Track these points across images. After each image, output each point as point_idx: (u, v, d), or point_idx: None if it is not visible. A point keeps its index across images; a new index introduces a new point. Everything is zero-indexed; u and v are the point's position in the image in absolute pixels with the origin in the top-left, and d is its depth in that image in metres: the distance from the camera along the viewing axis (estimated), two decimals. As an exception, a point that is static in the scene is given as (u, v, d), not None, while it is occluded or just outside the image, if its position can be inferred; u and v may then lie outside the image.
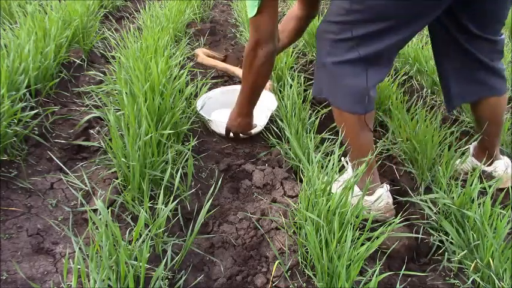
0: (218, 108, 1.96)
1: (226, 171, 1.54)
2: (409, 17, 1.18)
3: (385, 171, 1.66)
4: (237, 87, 1.78)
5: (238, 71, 2.25)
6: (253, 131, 1.72)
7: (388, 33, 1.20)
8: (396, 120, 1.75)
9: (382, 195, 1.33)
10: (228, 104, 1.81)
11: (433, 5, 1.18)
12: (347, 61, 1.24)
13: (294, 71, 2.28)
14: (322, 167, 1.31)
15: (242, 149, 1.71)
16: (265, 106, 1.83)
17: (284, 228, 1.25)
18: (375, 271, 1.00)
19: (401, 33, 1.21)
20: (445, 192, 1.34)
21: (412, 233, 1.31)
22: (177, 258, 1.13)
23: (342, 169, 1.45)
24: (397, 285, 1.10)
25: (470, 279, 1.13)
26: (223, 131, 1.73)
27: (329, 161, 1.27)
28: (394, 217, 1.30)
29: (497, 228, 1.13)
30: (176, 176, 1.26)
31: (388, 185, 1.40)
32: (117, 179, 1.35)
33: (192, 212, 1.30)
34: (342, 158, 1.48)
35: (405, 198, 1.42)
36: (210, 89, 2.02)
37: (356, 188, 1.38)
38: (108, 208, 1.24)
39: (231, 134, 1.71)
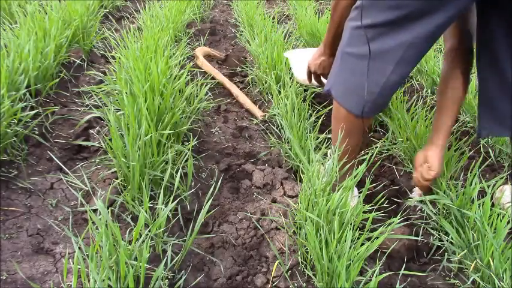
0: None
1: (226, 171, 1.54)
2: (420, 10, 1.05)
3: (385, 171, 1.66)
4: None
5: (234, 89, 2.16)
6: None
7: (398, 28, 1.08)
8: (396, 120, 1.75)
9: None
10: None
11: None
12: (359, 55, 1.15)
13: (294, 71, 2.27)
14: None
15: (242, 149, 1.71)
16: None
17: (284, 228, 1.25)
18: (374, 271, 1.00)
19: (413, 31, 1.07)
20: (444, 193, 1.34)
21: (412, 232, 1.31)
22: (177, 258, 1.13)
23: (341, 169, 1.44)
24: (397, 285, 1.10)
25: (470, 279, 1.13)
26: (304, 76, 1.65)
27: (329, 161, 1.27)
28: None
29: (497, 228, 1.13)
30: (176, 176, 1.26)
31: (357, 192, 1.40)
32: (117, 179, 1.35)
33: (192, 212, 1.31)
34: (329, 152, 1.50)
35: (405, 200, 1.42)
36: (210, 89, 2.02)
37: (355, 190, 1.38)
38: (108, 208, 1.24)
39: (313, 79, 1.60)
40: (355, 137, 1.27)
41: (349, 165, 1.32)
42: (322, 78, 1.57)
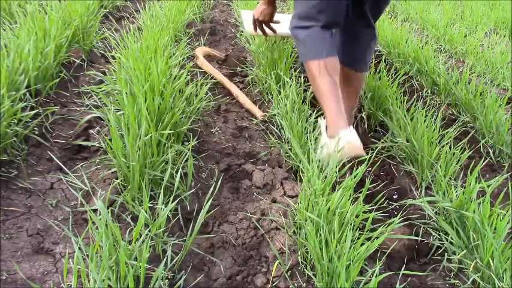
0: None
1: (226, 171, 1.54)
2: None
3: (385, 171, 1.66)
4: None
5: (234, 89, 2.15)
6: (278, 31, 1.83)
7: None
8: (396, 120, 1.75)
9: (342, 136, 1.38)
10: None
11: None
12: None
13: (294, 70, 2.28)
14: (321, 169, 1.31)
15: (242, 149, 1.71)
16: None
17: (284, 228, 1.25)
18: (374, 271, 1.00)
19: None
20: (444, 193, 1.34)
21: (412, 232, 1.31)
22: (177, 258, 1.13)
23: (341, 169, 1.44)
24: (397, 285, 1.10)
25: (470, 279, 1.13)
26: (251, 26, 1.91)
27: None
28: (365, 155, 1.37)
29: (497, 228, 1.13)
30: (176, 176, 1.26)
31: (353, 128, 1.48)
32: (117, 179, 1.35)
33: (192, 212, 1.31)
34: (318, 119, 1.65)
35: (404, 201, 1.42)
36: (210, 89, 2.02)
37: (324, 135, 1.50)
38: (108, 208, 1.24)
39: (258, 29, 1.85)
40: (323, 78, 1.46)
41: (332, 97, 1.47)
42: (264, 26, 1.82)
